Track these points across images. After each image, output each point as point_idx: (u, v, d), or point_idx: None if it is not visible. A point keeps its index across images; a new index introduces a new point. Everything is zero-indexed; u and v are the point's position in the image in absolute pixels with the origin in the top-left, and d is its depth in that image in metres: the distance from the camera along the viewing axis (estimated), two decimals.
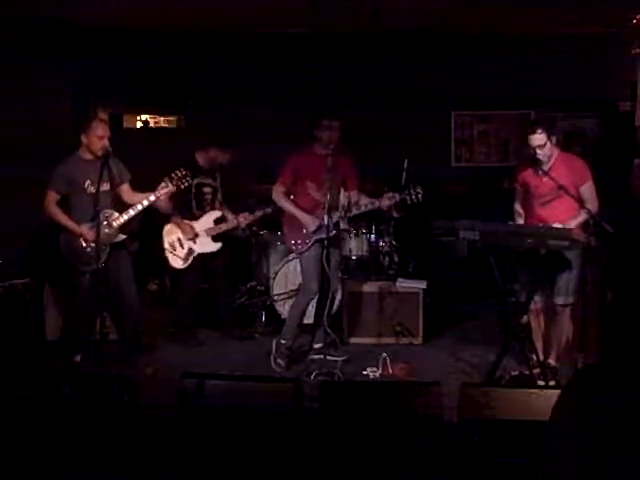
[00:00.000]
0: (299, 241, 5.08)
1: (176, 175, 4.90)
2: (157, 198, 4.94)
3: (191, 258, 5.70)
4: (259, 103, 7.61)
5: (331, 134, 4.98)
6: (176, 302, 5.98)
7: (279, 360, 5.05)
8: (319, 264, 4.94)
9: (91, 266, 4.77)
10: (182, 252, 5.69)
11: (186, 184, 4.99)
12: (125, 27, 6.92)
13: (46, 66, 6.65)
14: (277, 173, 5.24)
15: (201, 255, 5.73)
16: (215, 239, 5.74)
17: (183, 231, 5.68)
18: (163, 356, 5.32)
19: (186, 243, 5.69)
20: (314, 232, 5.00)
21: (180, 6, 6.20)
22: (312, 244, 5.03)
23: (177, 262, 5.71)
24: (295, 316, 5.17)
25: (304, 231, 5.05)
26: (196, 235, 5.68)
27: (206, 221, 5.77)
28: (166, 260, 5.74)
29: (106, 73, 7.45)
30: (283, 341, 5.11)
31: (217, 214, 5.82)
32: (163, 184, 4.90)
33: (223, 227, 5.77)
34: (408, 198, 4.91)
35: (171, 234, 5.72)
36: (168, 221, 5.72)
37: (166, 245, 5.72)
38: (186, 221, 5.70)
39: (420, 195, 4.87)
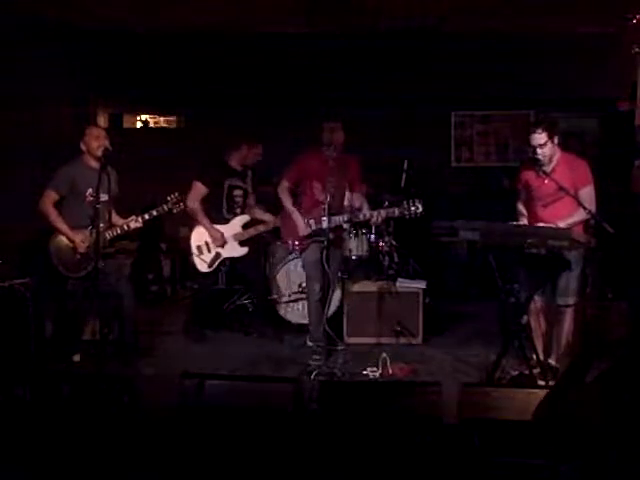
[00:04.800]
0: (296, 242, 5.15)
1: (171, 199, 4.92)
2: (127, 229, 4.91)
3: (217, 263, 5.67)
4: (259, 104, 7.61)
5: (332, 136, 4.99)
6: (192, 300, 6.02)
7: (314, 356, 5.07)
8: (319, 265, 4.95)
9: (78, 273, 4.80)
10: (209, 257, 5.64)
11: (179, 209, 4.99)
12: (125, 27, 6.94)
13: (46, 66, 6.65)
14: (281, 172, 5.28)
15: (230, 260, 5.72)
16: (242, 244, 5.71)
17: (212, 237, 5.62)
18: (163, 356, 5.32)
19: (214, 248, 5.64)
20: (306, 236, 5.06)
21: (180, 6, 6.21)
22: (307, 246, 5.08)
23: (203, 266, 5.65)
24: (311, 318, 5.23)
25: (299, 233, 5.10)
26: (225, 242, 5.65)
27: (234, 226, 5.71)
28: (193, 264, 5.68)
29: (106, 73, 7.46)
30: (310, 343, 5.22)
31: (246, 218, 5.76)
32: (134, 217, 4.90)
33: (251, 232, 5.71)
34: (407, 214, 4.86)
35: (199, 238, 5.66)
36: (195, 224, 5.65)
37: (193, 249, 5.65)
38: (216, 226, 5.64)
39: (419, 211, 4.82)
